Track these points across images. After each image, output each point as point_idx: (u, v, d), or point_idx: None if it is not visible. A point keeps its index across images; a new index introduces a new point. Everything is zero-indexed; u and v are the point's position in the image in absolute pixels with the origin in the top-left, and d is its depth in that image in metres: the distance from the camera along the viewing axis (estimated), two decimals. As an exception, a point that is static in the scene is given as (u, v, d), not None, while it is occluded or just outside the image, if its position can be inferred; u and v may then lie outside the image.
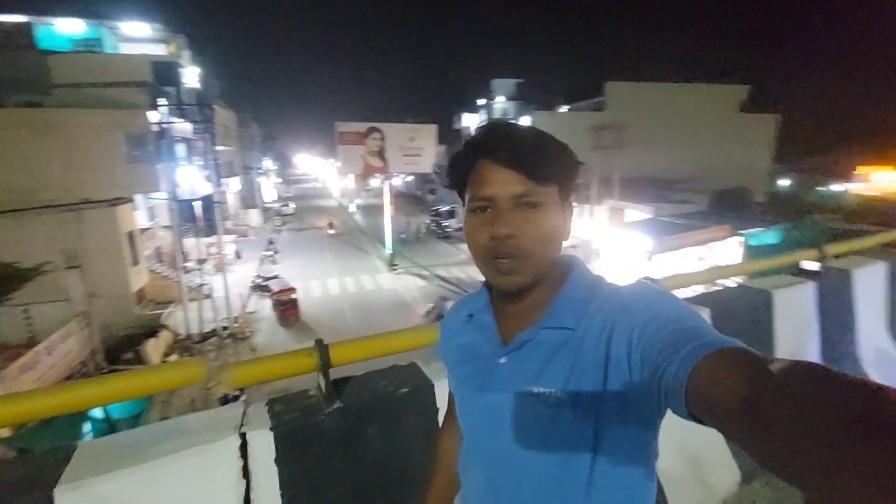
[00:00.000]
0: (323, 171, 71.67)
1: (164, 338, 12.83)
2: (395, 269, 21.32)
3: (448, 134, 37.13)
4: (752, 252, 13.85)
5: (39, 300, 10.58)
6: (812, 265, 2.43)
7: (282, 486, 1.03)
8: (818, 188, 33.96)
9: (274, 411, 1.09)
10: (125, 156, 17.08)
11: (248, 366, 1.08)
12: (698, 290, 2.26)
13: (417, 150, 22.04)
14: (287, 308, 15.75)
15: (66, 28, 22.36)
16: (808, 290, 2.38)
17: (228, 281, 15.89)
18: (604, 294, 0.66)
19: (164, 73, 19.47)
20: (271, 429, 1.02)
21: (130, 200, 16.79)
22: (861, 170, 35.29)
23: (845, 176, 35.54)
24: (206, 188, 20.38)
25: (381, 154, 21.40)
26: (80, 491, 0.86)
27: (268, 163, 52.30)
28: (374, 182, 45.79)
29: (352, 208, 43.31)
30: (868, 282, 2.67)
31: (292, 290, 16.35)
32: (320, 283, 19.94)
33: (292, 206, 40.79)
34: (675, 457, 1.64)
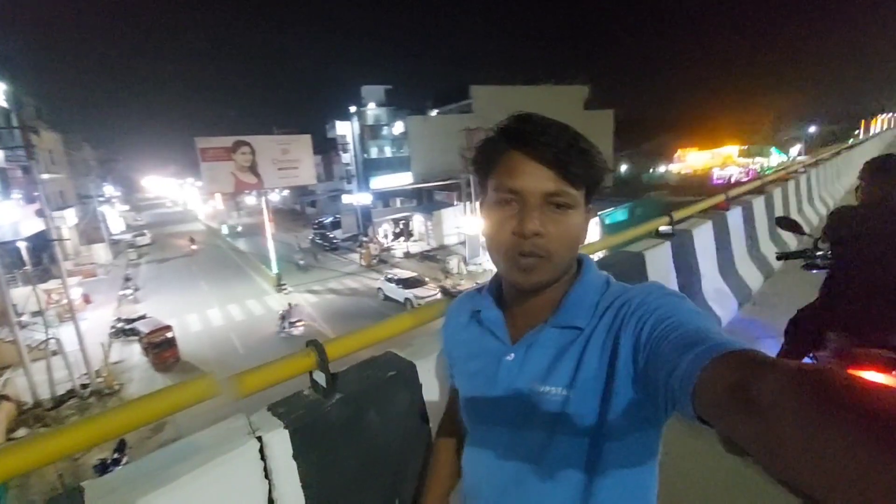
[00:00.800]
0: (181, 192, 64.13)
1: (4, 411, 10.47)
2: (283, 289, 20.13)
3: (322, 143, 36.05)
4: (608, 229, 16.06)
5: None
6: (666, 228, 3.08)
7: (301, 479, 1.09)
8: (650, 170, 40.48)
9: (278, 413, 1.14)
10: None
11: (251, 374, 1.12)
12: (594, 258, 2.74)
13: (293, 162, 21.11)
14: (162, 350, 13.93)
15: None
16: (666, 248, 3.02)
17: (81, 330, 13.48)
18: (612, 294, 0.65)
19: (-47, 90, 15.71)
20: (285, 427, 1.09)
21: (-75, 250, 13.30)
22: (679, 152, 42.95)
23: (669, 158, 42.96)
24: (35, 225, 17.02)
25: (252, 169, 20.04)
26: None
27: (109, 189, 45.28)
28: (249, 200, 42.49)
29: (224, 230, 39.56)
30: (703, 237, 3.47)
31: (167, 328, 14.49)
32: (198, 315, 17.98)
33: (147, 235, 35.90)
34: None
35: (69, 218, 25.18)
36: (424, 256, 24.37)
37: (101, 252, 27.80)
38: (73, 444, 0.88)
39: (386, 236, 28.39)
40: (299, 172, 21.47)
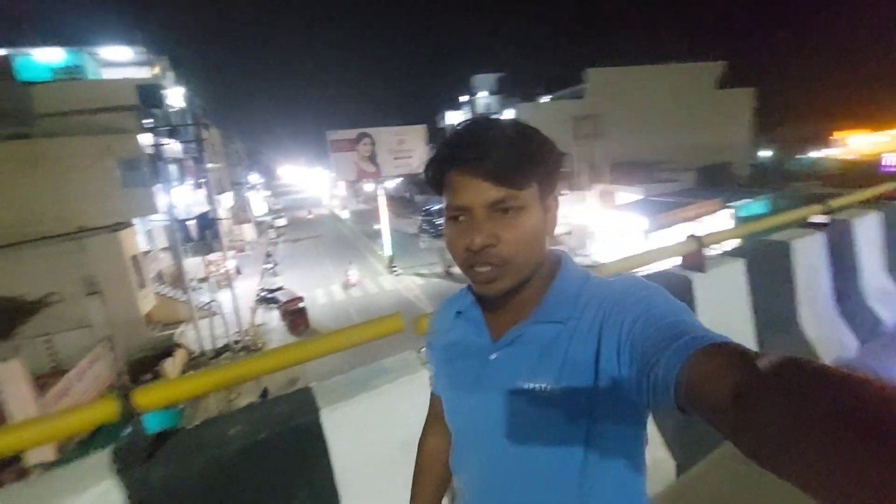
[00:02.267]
0: (310, 180, 71.55)
1: (179, 356, 12.97)
2: (394, 271, 21.58)
3: (433, 133, 37.45)
4: (742, 222, 14.37)
5: (60, 329, 10.67)
6: (820, 218, 2.78)
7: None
8: (798, 157, 34.87)
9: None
10: (120, 180, 17.09)
11: (425, 317, 1.38)
12: (726, 245, 2.61)
13: (407, 151, 22.32)
14: (296, 317, 15.96)
15: (45, 57, 22.16)
16: (818, 240, 2.74)
17: (234, 297, 16.04)
18: (593, 288, 0.65)
19: (149, 96, 19.46)
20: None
21: (130, 225, 16.81)
22: (838, 135, 36.28)
23: (823, 142, 36.51)
24: (202, 207, 20.45)
25: (372, 159, 21.64)
26: (338, 412, 1.16)
27: (254, 177, 52.09)
28: (367, 187, 45.91)
29: (345, 215, 43.40)
30: (867, 229, 3.05)
31: (300, 299, 16.58)
32: (324, 290, 20.13)
33: (284, 217, 40.82)
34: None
35: (225, 201, 29.71)
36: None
37: (248, 231, 32.44)
38: (249, 372, 1.22)
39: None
40: (412, 161, 22.63)
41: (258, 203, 44.06)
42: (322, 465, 1.14)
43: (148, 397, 1.00)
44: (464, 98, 34.50)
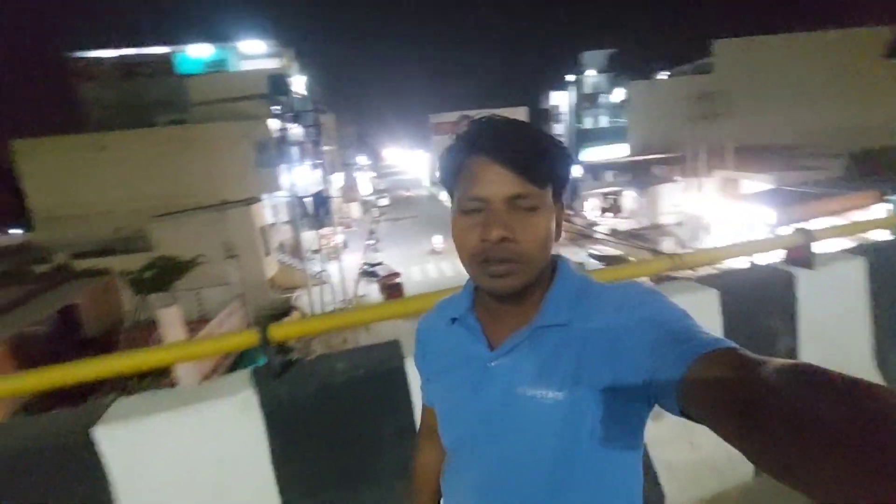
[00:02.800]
0: (411, 162, 74.41)
1: (295, 317, 14.69)
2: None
3: (536, 115, 36.53)
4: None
5: (205, 285, 12.74)
6: None
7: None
8: None
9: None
10: (253, 161, 19.60)
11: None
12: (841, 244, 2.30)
13: (508, 134, 22.16)
14: (392, 291, 17.08)
15: (198, 53, 25.85)
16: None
17: (341, 268, 17.61)
18: (593, 294, 0.64)
19: (277, 85, 21.75)
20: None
21: (260, 200, 19.16)
22: None
23: None
24: (317, 186, 22.51)
25: (472, 141, 21.88)
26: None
27: (361, 158, 55.62)
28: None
29: (443, 196, 44.63)
30: None
31: (397, 274, 17.69)
32: (419, 268, 21.14)
33: (387, 197, 43.18)
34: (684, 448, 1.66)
35: (337, 181, 32.30)
36: (632, 235, 22.75)
37: (355, 209, 35.05)
38: (345, 322, 1.43)
39: (593, 210, 27.46)
40: (512, 144, 22.44)
41: (364, 183, 47.09)
42: (404, 404, 1.36)
43: (278, 332, 1.29)
44: (570, 77, 32.97)
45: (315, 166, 23.98)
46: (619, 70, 32.74)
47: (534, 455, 0.61)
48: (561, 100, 33.48)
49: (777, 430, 0.33)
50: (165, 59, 26.27)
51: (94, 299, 11.78)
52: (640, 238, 21.97)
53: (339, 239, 23.61)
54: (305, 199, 22.49)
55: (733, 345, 0.46)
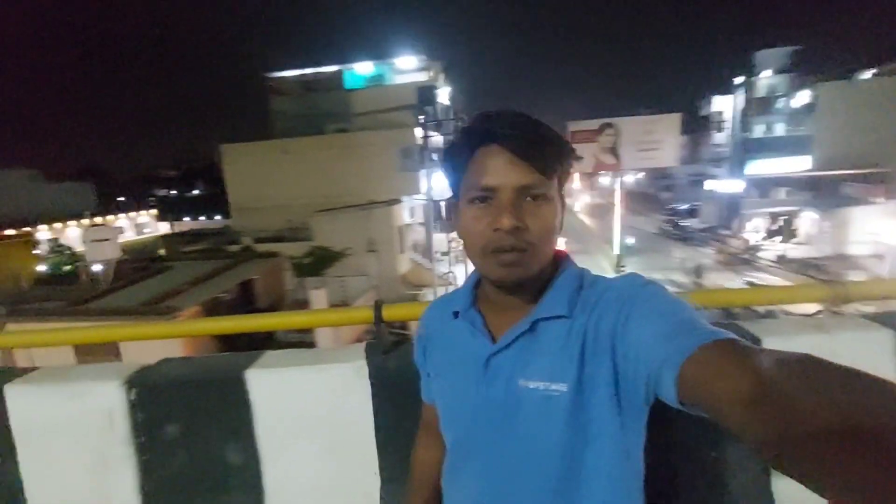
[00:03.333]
0: (547, 171, 73.26)
1: (420, 312, 15.62)
2: (622, 271, 20.36)
3: (692, 122, 32.95)
4: None
5: (348, 274, 14.37)
6: None
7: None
8: None
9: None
10: (398, 165, 21.46)
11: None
12: None
13: (655, 143, 20.42)
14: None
15: (362, 70, 29.25)
16: None
17: (467, 271, 18.13)
18: (593, 284, 0.64)
19: (425, 96, 23.50)
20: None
21: (400, 201, 20.87)
22: None
23: None
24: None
25: (613, 150, 20.69)
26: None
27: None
28: (603, 180, 44.28)
29: (576, 207, 43.01)
30: None
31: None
32: (546, 279, 20.67)
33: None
34: None
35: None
36: (806, 264, 19.00)
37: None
38: None
39: (756, 232, 23.70)
40: (660, 154, 20.61)
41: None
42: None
43: (391, 312, 1.45)
44: (738, 79, 28.99)
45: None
46: (803, 70, 27.70)
47: (537, 447, 0.60)
48: (724, 105, 29.61)
49: (780, 420, 0.33)
50: (337, 76, 30.23)
51: (266, 277, 14.11)
52: (816, 269, 18.25)
53: (468, 243, 24.31)
54: (440, 203, 23.83)
55: (734, 336, 0.46)
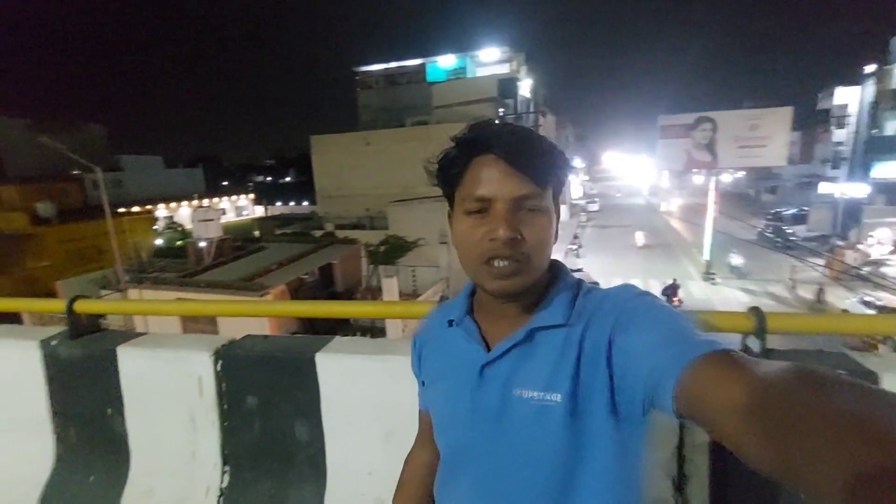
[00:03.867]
0: (630, 167, 69.20)
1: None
2: (711, 279, 18.70)
3: (806, 117, 29.22)
4: None
5: (420, 265, 14.72)
6: None
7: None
8: None
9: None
10: (474, 158, 21.51)
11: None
12: None
13: (760, 139, 18.42)
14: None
15: (444, 63, 29.59)
16: None
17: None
18: (588, 295, 0.64)
19: (505, 88, 23.22)
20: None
21: (475, 194, 20.92)
22: None
23: None
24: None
25: (709, 147, 19.00)
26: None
27: (577, 161, 54.57)
28: (696, 179, 40.94)
29: (663, 207, 40.22)
30: None
31: (595, 284, 16.86)
32: (621, 280, 19.60)
33: (597, 203, 41.35)
34: None
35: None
36: (948, 286, 16.08)
37: (562, 212, 34.67)
38: None
39: (880, 244, 20.57)
40: (765, 152, 18.55)
41: (575, 186, 46.08)
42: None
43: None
44: (869, 68, 25.14)
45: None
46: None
47: (531, 457, 0.60)
48: (849, 97, 25.86)
49: (777, 431, 0.34)
50: (419, 70, 30.87)
51: (344, 262, 14.90)
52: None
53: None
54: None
55: (730, 346, 0.46)
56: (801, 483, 0.31)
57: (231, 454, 1.57)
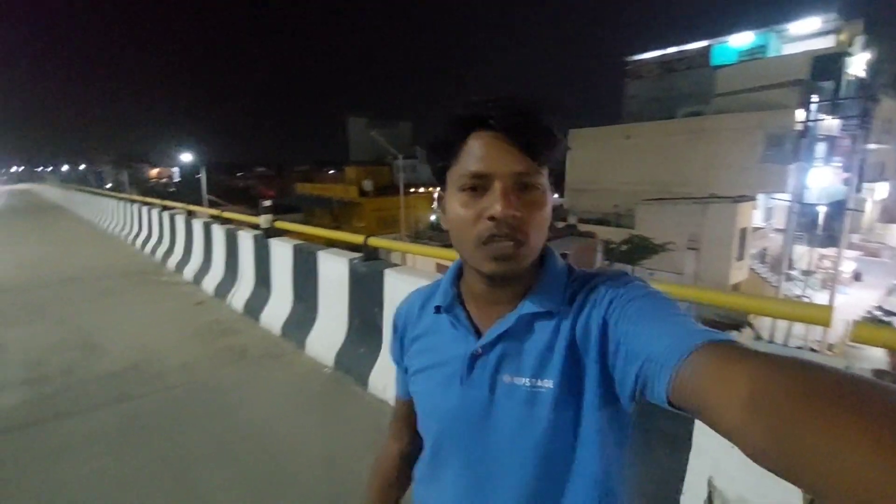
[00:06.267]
0: None
1: (745, 334, 13.12)
2: None
3: None
4: None
5: (661, 269, 13.58)
6: None
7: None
8: None
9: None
10: (759, 156, 17.78)
11: (867, 328, 1.26)
12: None
13: None
14: (914, 358, 11.74)
15: (737, 42, 25.06)
16: None
17: (836, 302, 13.68)
18: (579, 280, 0.62)
19: (824, 68, 18.13)
20: None
21: (752, 199, 17.48)
22: None
23: None
24: (839, 193, 17.79)
25: None
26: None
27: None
28: None
29: None
30: None
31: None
32: None
33: None
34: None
35: (879, 191, 24.04)
36: None
37: (894, 233, 25.10)
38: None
39: None
40: None
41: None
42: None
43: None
44: None
45: (846, 168, 18.85)
46: None
47: (520, 444, 0.60)
48: None
49: (776, 424, 0.33)
50: (703, 53, 27.18)
51: (578, 254, 15.08)
52: None
53: (848, 265, 18.06)
54: (816, 208, 18.37)
55: (728, 337, 0.45)
56: (803, 480, 0.31)
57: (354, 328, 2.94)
